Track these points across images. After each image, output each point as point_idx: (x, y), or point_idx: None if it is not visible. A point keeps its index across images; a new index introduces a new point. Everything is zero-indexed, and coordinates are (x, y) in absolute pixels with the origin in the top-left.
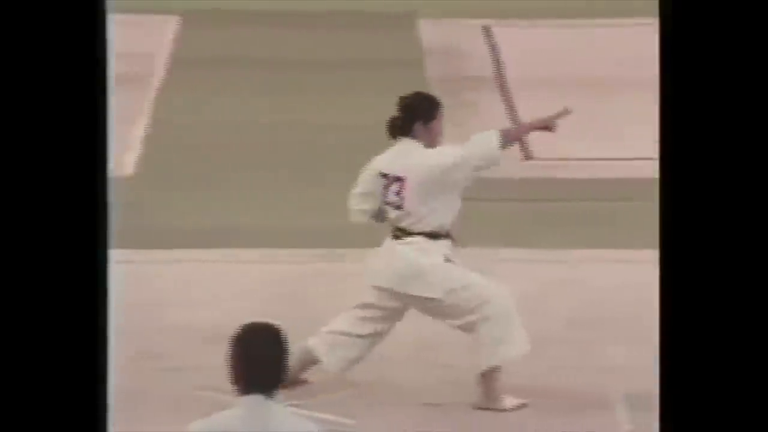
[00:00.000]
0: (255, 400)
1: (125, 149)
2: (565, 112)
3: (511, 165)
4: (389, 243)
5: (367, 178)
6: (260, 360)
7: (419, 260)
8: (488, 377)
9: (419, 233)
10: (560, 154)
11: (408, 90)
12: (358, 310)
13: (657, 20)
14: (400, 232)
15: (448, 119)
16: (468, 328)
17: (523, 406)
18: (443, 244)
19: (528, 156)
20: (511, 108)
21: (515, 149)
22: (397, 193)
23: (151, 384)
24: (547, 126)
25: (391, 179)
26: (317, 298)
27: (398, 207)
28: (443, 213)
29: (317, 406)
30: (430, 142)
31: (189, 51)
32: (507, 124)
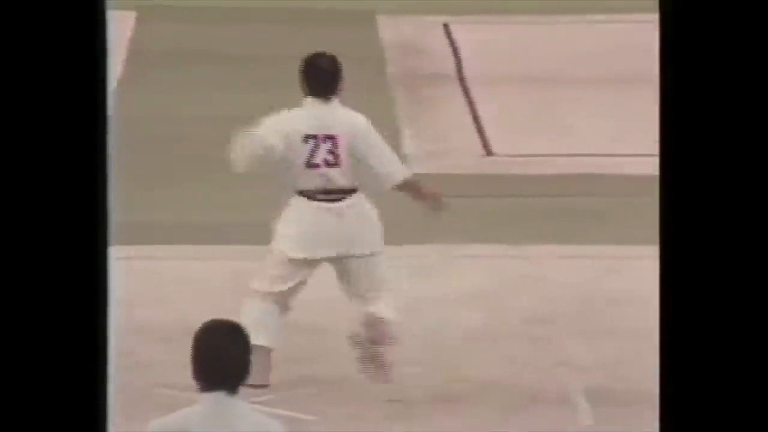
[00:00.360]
0: (217, 397)
1: None
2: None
3: (473, 161)
4: (327, 209)
5: (277, 134)
6: (222, 357)
7: (371, 215)
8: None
9: (352, 189)
10: (522, 150)
11: (371, 88)
12: (281, 290)
13: (652, 17)
14: (341, 193)
15: (410, 116)
16: (364, 294)
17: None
18: None
19: (489, 152)
20: (471, 105)
21: (477, 145)
22: (331, 152)
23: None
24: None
25: (320, 139)
26: None
27: (332, 165)
28: (355, 174)
29: (279, 402)
30: (340, 100)
31: (145, 46)
32: (468, 120)
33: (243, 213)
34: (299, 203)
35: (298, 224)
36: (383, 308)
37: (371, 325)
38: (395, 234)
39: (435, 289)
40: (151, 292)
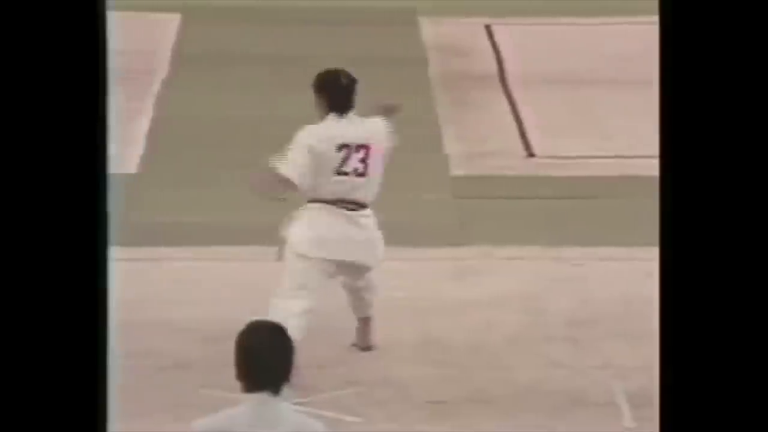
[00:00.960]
0: (260, 398)
1: (129, 146)
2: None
3: (515, 162)
4: (345, 216)
5: (303, 151)
6: (266, 358)
7: (376, 234)
8: (367, 323)
9: (365, 204)
10: (564, 152)
11: (413, 89)
12: (304, 290)
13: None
14: (356, 205)
15: (451, 117)
16: (359, 286)
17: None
18: None
19: (531, 154)
20: (513, 106)
21: (518, 146)
22: (362, 161)
23: (150, 382)
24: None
25: (353, 148)
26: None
27: (361, 174)
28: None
29: (322, 404)
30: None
31: (191, 48)
32: (510, 121)
33: (285, 214)
34: (317, 207)
35: (316, 226)
36: (371, 311)
37: (366, 327)
38: (437, 236)
39: (476, 291)
40: (190, 292)
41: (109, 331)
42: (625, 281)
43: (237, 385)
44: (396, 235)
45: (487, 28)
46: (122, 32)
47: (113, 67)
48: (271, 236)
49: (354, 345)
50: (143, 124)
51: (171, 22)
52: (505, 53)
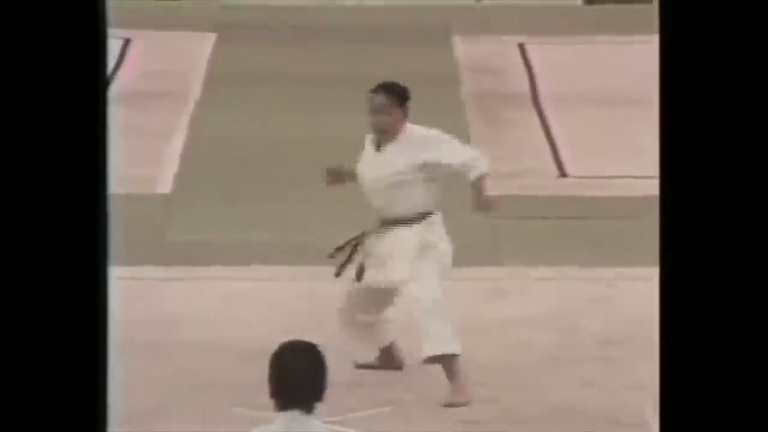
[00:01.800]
0: (293, 416)
1: (163, 166)
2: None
3: (548, 182)
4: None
5: None
6: (299, 376)
7: None
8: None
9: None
10: (596, 171)
11: (445, 107)
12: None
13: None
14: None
15: (484, 136)
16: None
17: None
18: None
19: (563, 173)
20: (545, 125)
21: (551, 166)
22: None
23: (184, 400)
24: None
25: None
26: None
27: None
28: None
29: (354, 422)
30: None
31: (225, 68)
32: (542, 141)
33: (319, 233)
34: (438, 218)
35: (446, 237)
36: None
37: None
38: (470, 256)
39: (509, 310)
40: (225, 312)
41: (109, 348)
42: (657, 301)
43: (270, 404)
44: None
45: (521, 47)
46: (156, 52)
47: (147, 88)
48: (306, 256)
49: (377, 368)
50: (178, 144)
51: (205, 42)
52: (538, 72)
